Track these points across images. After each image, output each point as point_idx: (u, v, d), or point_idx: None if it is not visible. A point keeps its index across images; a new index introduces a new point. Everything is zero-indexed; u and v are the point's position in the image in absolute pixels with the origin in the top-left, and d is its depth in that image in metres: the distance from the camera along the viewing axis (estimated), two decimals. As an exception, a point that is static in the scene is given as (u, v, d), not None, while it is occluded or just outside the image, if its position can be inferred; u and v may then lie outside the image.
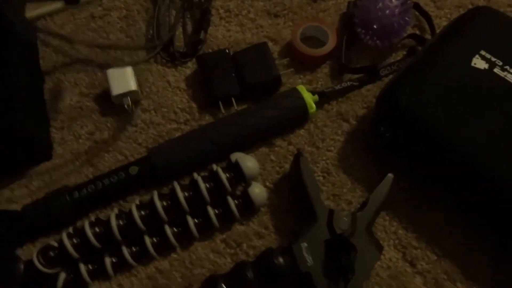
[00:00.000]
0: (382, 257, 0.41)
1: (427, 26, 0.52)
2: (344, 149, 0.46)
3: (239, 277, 0.37)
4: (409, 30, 0.52)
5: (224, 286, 0.37)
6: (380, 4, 0.49)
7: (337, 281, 0.36)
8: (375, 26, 0.49)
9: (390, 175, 0.41)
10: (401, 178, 0.43)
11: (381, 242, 0.41)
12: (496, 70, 0.41)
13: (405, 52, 0.51)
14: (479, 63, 0.41)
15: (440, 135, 0.39)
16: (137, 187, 0.43)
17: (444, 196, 0.43)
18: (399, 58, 0.51)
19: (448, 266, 0.41)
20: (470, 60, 0.42)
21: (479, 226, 0.42)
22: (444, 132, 0.39)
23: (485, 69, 0.41)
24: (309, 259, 0.37)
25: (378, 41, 0.50)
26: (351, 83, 0.49)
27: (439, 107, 0.40)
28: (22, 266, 0.38)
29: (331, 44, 0.50)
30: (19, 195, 0.43)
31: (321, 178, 0.45)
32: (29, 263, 0.38)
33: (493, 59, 0.41)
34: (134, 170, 0.42)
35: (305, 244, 0.37)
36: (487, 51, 0.42)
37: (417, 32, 0.53)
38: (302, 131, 0.47)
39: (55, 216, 0.40)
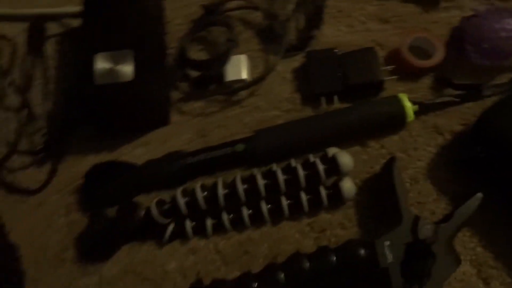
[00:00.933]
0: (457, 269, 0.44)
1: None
2: (435, 161, 0.48)
3: (322, 259, 0.41)
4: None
5: (308, 264, 0.41)
6: (498, 26, 0.49)
7: (412, 283, 0.39)
8: (486, 46, 0.50)
9: (479, 194, 0.43)
10: (487, 198, 0.44)
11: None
12: None
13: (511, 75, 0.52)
14: None
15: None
16: (239, 163, 0.49)
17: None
18: (504, 80, 0.51)
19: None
20: None
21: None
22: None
23: None
24: (389, 257, 0.40)
25: (486, 61, 0.51)
26: (452, 98, 0.50)
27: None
28: (142, 212, 0.45)
29: (438, 57, 0.52)
30: (138, 153, 0.50)
31: (408, 184, 0.47)
32: (147, 211, 0.45)
33: None
34: (240, 147, 0.48)
35: (388, 242, 0.41)
36: None
37: (529, 57, 0.52)
38: (396, 137, 0.50)
39: (169, 175, 0.47)
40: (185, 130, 0.51)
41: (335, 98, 0.51)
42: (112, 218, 0.45)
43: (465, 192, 0.44)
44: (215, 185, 0.45)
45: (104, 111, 0.49)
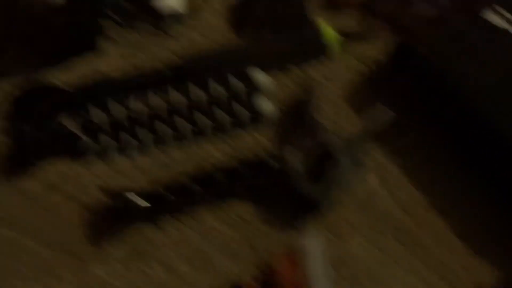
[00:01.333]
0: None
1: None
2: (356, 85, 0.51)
3: (235, 169, 0.43)
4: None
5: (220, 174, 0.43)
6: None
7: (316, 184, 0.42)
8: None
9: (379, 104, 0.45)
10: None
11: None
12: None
13: None
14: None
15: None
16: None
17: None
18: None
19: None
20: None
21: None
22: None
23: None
24: (298, 164, 0.42)
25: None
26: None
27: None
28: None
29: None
30: (64, 77, 0.51)
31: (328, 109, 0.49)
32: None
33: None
34: (169, 74, 0.49)
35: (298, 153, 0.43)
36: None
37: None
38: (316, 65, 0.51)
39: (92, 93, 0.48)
40: (114, 57, 0.52)
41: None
42: (27, 131, 0.46)
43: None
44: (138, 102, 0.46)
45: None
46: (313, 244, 0.41)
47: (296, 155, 0.42)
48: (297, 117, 0.48)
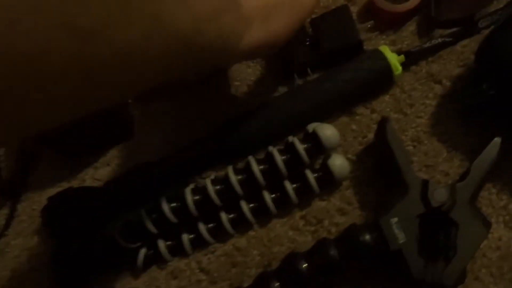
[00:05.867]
0: (490, 235, 0.35)
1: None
2: (437, 114, 0.41)
3: (321, 255, 0.34)
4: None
5: (305, 264, 0.34)
6: None
7: (435, 260, 0.32)
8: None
9: (497, 139, 0.35)
10: (508, 143, 0.37)
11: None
12: None
13: (509, -1, 0.44)
14: None
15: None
16: (213, 163, 0.42)
17: None
18: (500, 5, 0.43)
19: None
20: None
21: None
22: None
23: None
24: (400, 236, 0.32)
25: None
26: (443, 39, 0.43)
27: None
28: (105, 239, 0.38)
29: (417, -3, 0.44)
30: (102, 174, 0.45)
31: (411, 147, 0.40)
32: (111, 239, 0.38)
33: None
34: (210, 145, 0.41)
35: (395, 219, 0.33)
36: None
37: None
38: (387, 97, 0.42)
39: (135, 191, 0.41)
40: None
41: (309, 70, 0.44)
42: (74, 251, 0.39)
43: (481, 143, 0.36)
44: (182, 193, 0.38)
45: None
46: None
47: (401, 227, 0.32)
48: (380, 166, 0.39)
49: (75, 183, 0.45)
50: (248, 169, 0.38)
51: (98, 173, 0.45)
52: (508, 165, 0.37)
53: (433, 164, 0.39)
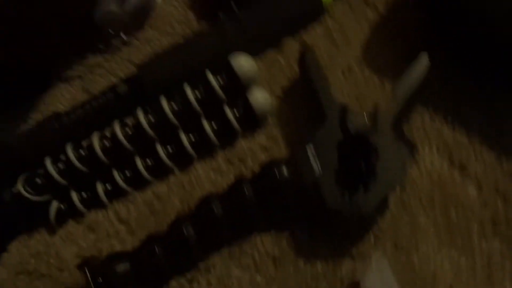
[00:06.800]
0: (421, 163, 0.33)
1: None
2: (370, 42, 0.37)
3: (237, 196, 0.31)
4: None
5: (221, 206, 0.31)
6: None
7: (354, 190, 0.29)
8: None
9: (423, 53, 0.31)
10: (446, 68, 0.34)
11: (420, 145, 0.32)
12: None
13: None
14: None
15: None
16: (128, 108, 0.39)
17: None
18: None
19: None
20: None
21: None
22: None
23: None
24: (316, 167, 0.30)
25: None
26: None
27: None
28: (9, 196, 0.35)
29: None
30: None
31: (341, 77, 0.37)
32: (18, 194, 0.36)
33: None
34: (123, 88, 0.38)
35: (312, 150, 0.30)
36: None
37: None
38: (317, 28, 0.39)
39: (45, 144, 0.37)
40: (64, 88, 0.42)
41: (233, 4, 0.40)
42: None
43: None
44: (90, 141, 0.35)
45: None
46: (375, 270, 0.28)
47: (317, 157, 0.29)
48: (307, 100, 0.36)
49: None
50: (160, 109, 0.35)
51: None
52: (443, 90, 0.34)
53: (364, 93, 0.35)
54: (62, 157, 0.36)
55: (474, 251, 0.30)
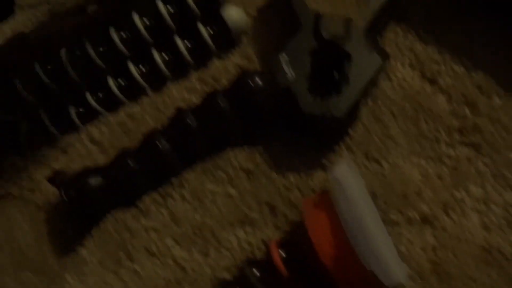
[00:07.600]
0: (393, 77, 0.33)
1: None
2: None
3: (210, 107, 0.31)
4: None
5: (193, 119, 0.31)
6: None
7: (327, 95, 0.29)
8: None
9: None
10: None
11: (393, 60, 0.33)
12: None
13: None
14: None
15: None
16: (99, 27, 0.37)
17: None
18: None
19: (482, 79, 0.32)
20: None
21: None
22: None
23: None
24: (290, 73, 0.30)
25: None
26: None
27: None
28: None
29: None
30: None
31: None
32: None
33: None
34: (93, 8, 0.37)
35: (285, 56, 0.30)
36: None
37: None
38: None
39: (12, 63, 0.36)
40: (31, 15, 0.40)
41: None
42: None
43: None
44: (59, 56, 0.34)
45: None
46: (344, 176, 0.28)
47: (291, 64, 0.29)
48: (279, 13, 0.35)
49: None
50: (132, 24, 0.34)
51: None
52: (416, 4, 0.34)
53: (338, 2, 0.35)
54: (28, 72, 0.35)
55: (442, 158, 0.31)
